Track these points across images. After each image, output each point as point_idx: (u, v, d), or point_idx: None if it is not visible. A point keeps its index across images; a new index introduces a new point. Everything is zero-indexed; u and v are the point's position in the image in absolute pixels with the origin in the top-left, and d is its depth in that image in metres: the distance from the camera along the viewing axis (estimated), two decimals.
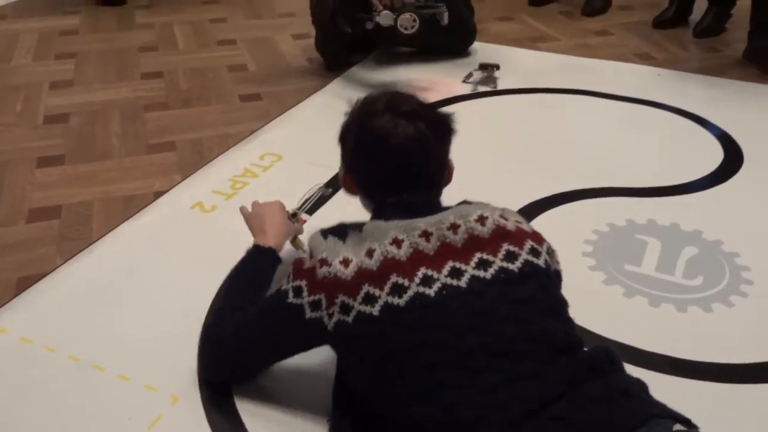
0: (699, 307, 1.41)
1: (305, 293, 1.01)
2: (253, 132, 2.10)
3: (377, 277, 0.96)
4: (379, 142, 1.08)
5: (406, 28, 2.26)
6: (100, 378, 1.23)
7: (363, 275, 0.97)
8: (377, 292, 0.95)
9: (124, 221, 1.67)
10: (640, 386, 0.92)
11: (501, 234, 1.03)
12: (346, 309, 0.97)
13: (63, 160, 1.96)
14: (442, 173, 1.16)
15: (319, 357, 1.28)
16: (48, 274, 1.50)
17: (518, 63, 2.62)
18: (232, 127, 2.13)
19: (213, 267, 1.49)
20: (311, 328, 1.01)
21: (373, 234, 1.01)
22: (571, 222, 1.69)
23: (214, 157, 1.95)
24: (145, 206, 1.73)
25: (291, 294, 1.03)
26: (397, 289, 0.95)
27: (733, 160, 1.97)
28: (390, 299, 0.95)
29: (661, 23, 3.02)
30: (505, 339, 0.92)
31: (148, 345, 1.31)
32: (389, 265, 0.97)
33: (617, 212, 1.72)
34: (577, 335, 1.00)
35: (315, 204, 1.58)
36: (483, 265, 0.99)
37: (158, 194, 1.78)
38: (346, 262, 0.99)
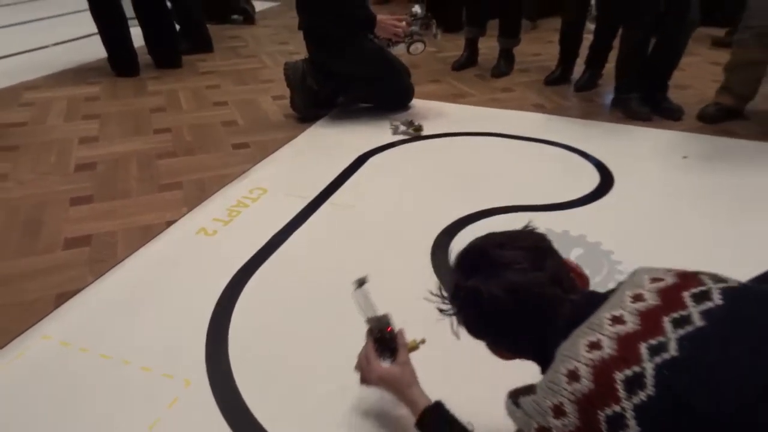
0: None
1: None
2: (243, 172, 2.09)
3: (601, 391, 0.61)
4: (496, 302, 0.75)
5: (415, 54, 2.49)
6: (128, 370, 1.22)
7: (585, 402, 0.62)
8: (616, 408, 0.59)
9: (143, 245, 1.65)
10: None
11: (686, 275, 0.71)
12: None
13: (92, 200, 1.92)
14: (567, 277, 0.79)
15: (320, 346, 1.28)
16: (81, 290, 1.47)
17: (445, 114, 2.67)
18: (227, 169, 2.11)
19: (215, 278, 1.50)
20: None
21: (562, 360, 0.66)
22: (488, 231, 1.71)
23: (214, 193, 1.94)
24: (160, 233, 1.71)
25: None
26: (634, 383, 0.60)
27: (606, 182, 2.02)
28: (635, 399, 0.59)
29: (550, 81, 3.09)
30: None
31: (165, 342, 1.29)
32: (604, 368, 0.62)
33: (521, 224, 1.75)
34: None
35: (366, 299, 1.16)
36: (701, 297, 0.66)
37: (170, 223, 1.76)
38: (558, 412, 0.63)
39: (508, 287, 0.75)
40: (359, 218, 1.79)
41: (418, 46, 2.46)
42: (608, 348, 0.64)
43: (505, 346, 0.83)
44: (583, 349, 0.65)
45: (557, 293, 0.75)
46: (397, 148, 2.31)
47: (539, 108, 2.76)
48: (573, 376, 0.64)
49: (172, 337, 1.30)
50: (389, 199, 1.91)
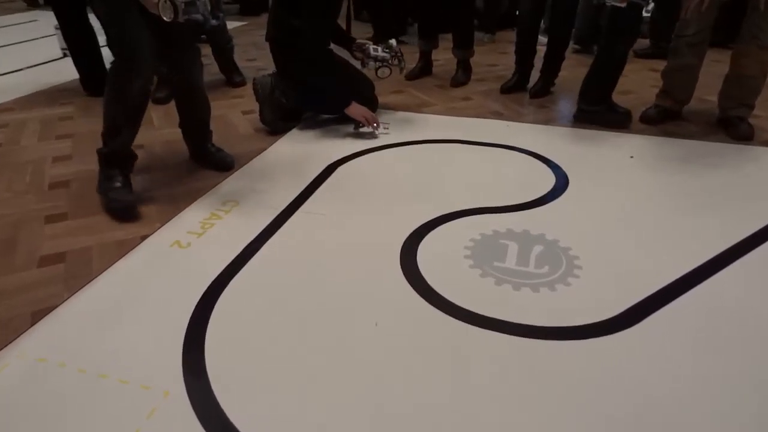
0: (547, 288, 1.46)
1: None
2: (215, 185, 2.04)
3: None
4: None
5: (382, 77, 2.61)
6: (105, 384, 1.17)
7: None
8: None
9: (118, 260, 1.60)
10: None
11: None
12: None
13: (66, 217, 1.85)
14: None
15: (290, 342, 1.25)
16: (57, 306, 1.41)
17: (408, 123, 2.67)
18: (200, 183, 2.07)
19: (190, 289, 1.46)
20: None
21: None
22: (454, 235, 1.72)
23: (187, 206, 1.89)
24: (134, 247, 1.66)
25: None
26: None
27: (562, 183, 2.05)
28: None
29: (506, 90, 3.13)
30: None
31: (142, 354, 1.25)
32: None
33: (485, 225, 1.76)
34: None
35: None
36: None
37: (144, 237, 1.71)
38: None
39: None
40: (330, 225, 1.77)
41: (384, 71, 2.61)
42: None
43: None
44: None
45: None
46: (364, 156, 2.30)
47: (497, 115, 2.78)
48: None
49: (148, 349, 1.26)
50: (358, 205, 1.90)
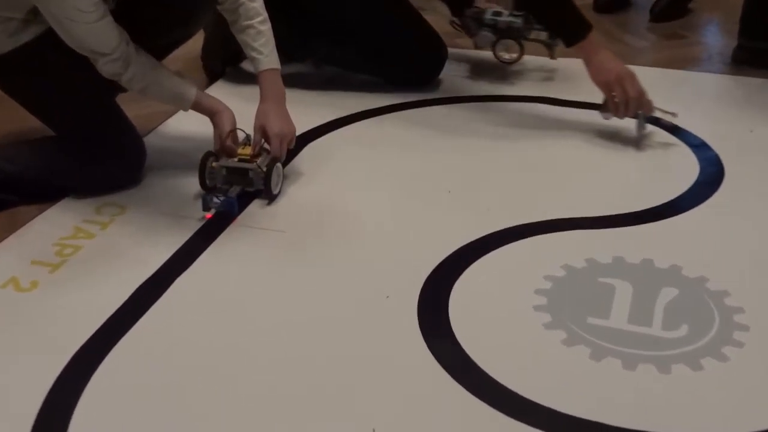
0: (686, 364, 1.42)
1: None
2: None
3: None
4: None
5: (503, 60, 2.67)
6: None
7: None
8: None
9: None
10: None
11: None
12: None
13: None
14: None
15: None
16: None
17: (453, 66, 2.69)
18: None
19: (39, 362, 1.44)
20: None
21: None
22: (518, 268, 1.70)
23: (33, 216, 1.89)
24: None
25: None
26: None
27: (711, 174, 2.04)
28: None
29: (603, 6, 3.16)
30: None
31: None
32: None
33: (575, 250, 1.74)
34: None
35: None
36: None
37: None
38: None
39: None
40: (294, 251, 1.78)
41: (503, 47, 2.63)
42: None
43: None
44: None
45: None
46: (353, 125, 2.31)
47: None
48: None
49: None
50: (341, 214, 1.91)
